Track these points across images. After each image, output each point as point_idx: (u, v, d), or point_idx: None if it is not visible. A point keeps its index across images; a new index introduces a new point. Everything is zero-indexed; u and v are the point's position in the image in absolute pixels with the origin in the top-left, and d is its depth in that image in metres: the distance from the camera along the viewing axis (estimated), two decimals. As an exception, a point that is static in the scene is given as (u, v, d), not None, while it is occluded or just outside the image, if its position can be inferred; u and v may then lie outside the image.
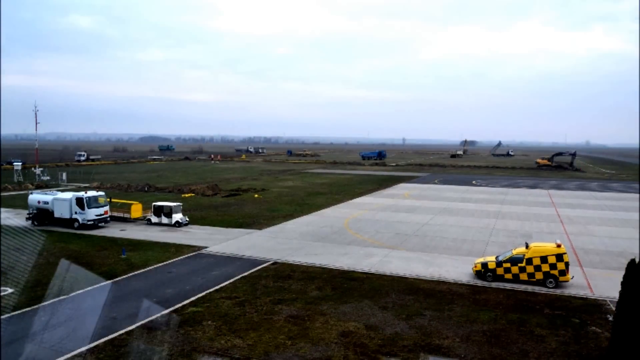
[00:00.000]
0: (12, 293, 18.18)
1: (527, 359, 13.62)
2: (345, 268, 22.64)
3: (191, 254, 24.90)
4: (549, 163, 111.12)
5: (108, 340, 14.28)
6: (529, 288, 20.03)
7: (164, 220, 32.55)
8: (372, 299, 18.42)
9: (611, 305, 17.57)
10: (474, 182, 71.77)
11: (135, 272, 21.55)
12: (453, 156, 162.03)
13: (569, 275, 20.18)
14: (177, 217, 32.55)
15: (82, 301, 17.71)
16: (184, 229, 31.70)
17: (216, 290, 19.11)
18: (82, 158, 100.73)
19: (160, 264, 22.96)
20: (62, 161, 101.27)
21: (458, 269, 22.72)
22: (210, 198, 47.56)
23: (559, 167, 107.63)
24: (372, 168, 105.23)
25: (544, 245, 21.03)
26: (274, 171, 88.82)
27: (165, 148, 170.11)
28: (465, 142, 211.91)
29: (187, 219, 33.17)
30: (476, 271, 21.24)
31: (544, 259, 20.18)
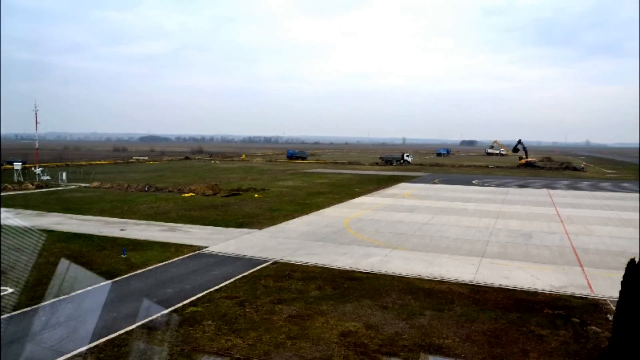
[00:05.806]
0: (12, 293, 18.18)
1: (527, 359, 13.63)
2: (346, 268, 22.65)
3: (191, 254, 24.91)
4: (533, 159, 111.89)
5: (108, 340, 14.28)
6: (531, 288, 20.04)
7: None
8: (372, 298, 18.43)
9: (611, 305, 17.58)
10: (474, 181, 71.82)
11: (135, 272, 21.56)
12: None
13: None
14: None
15: (82, 301, 17.73)
16: (184, 228, 31.67)
17: (216, 290, 19.12)
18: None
19: (160, 264, 22.98)
20: (62, 161, 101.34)
21: (458, 269, 22.73)
22: (210, 198, 47.59)
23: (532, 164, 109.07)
24: (372, 168, 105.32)
25: None
26: (274, 171, 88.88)
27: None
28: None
29: None
30: None
31: None
